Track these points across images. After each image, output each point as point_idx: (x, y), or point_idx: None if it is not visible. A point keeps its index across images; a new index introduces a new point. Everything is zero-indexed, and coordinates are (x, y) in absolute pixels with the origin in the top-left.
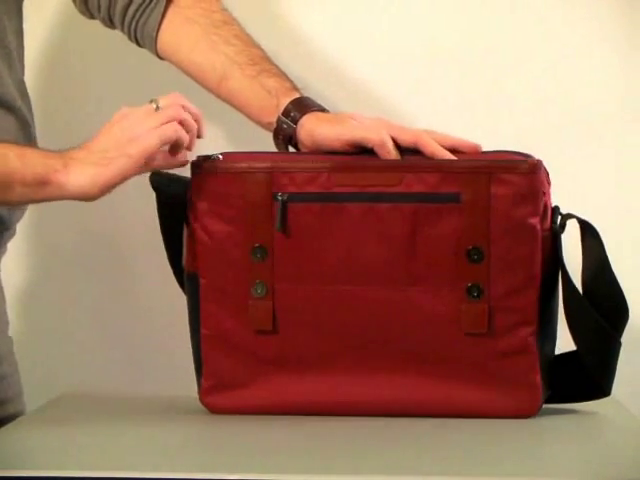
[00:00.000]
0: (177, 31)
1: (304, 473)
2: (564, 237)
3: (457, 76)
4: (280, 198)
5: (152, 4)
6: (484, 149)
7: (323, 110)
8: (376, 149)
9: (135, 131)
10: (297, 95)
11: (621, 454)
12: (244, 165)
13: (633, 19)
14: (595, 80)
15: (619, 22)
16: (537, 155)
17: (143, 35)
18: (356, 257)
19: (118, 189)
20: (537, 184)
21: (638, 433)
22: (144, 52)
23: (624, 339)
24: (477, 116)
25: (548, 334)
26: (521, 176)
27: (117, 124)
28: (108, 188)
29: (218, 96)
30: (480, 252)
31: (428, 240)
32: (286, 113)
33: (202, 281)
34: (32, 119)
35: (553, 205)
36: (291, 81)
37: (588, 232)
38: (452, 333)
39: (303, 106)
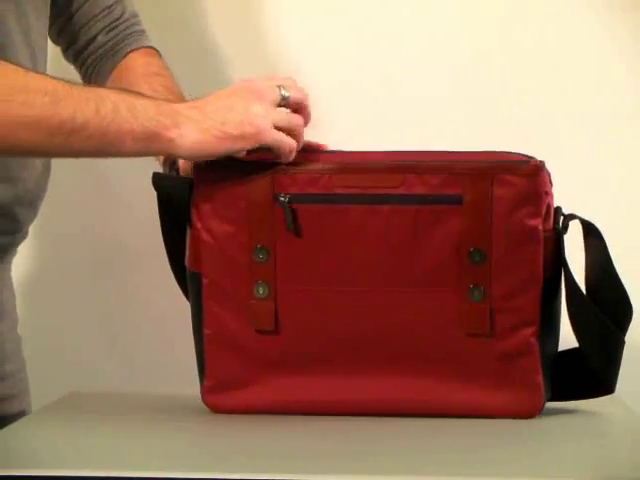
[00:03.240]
0: (120, 75)
1: (305, 473)
2: (566, 238)
3: (459, 77)
4: (282, 199)
5: (111, 56)
6: (487, 149)
7: None
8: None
9: (258, 118)
10: None
11: (622, 454)
12: (247, 166)
13: (636, 20)
14: (597, 80)
15: (621, 23)
16: (539, 156)
17: (97, 79)
18: (358, 258)
19: (119, 191)
20: (539, 185)
21: (639, 433)
22: None
23: (628, 338)
24: (480, 117)
25: (550, 335)
26: (523, 177)
27: (241, 97)
28: (212, 157)
29: None
30: (482, 253)
31: (430, 241)
32: None
33: (205, 281)
34: None
35: (555, 206)
36: None
37: (591, 232)
38: (454, 334)
39: None
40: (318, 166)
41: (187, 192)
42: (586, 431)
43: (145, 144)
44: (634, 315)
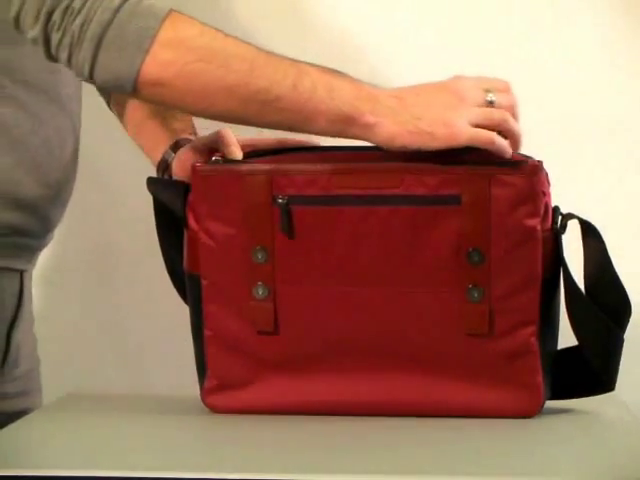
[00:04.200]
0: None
1: (305, 473)
2: (565, 237)
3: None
4: (280, 200)
5: None
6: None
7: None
8: None
9: (453, 119)
10: (191, 137)
11: (621, 454)
12: (245, 167)
13: (632, 23)
14: (597, 80)
15: (619, 25)
16: (537, 156)
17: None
18: (356, 259)
19: (120, 194)
20: (537, 185)
21: (639, 433)
22: None
23: (626, 338)
24: None
25: (549, 334)
26: (521, 177)
27: (442, 96)
28: (404, 150)
29: (138, 134)
30: (480, 254)
31: (428, 242)
32: (173, 145)
33: (204, 282)
34: (80, 121)
35: (553, 205)
36: (193, 127)
37: (589, 231)
38: (453, 334)
39: (186, 140)
40: (316, 167)
41: (182, 195)
42: (586, 431)
43: (339, 127)
44: (632, 315)
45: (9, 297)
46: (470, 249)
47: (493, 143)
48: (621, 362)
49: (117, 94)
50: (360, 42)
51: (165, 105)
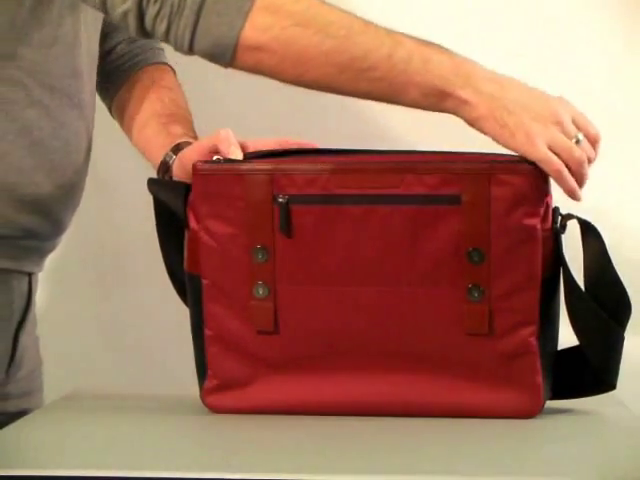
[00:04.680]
0: (131, 88)
1: (305, 473)
2: (565, 237)
3: None
4: (281, 200)
5: (127, 68)
6: (485, 151)
7: None
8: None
9: (540, 131)
10: (191, 141)
11: (621, 454)
12: (245, 167)
13: (630, 23)
14: (596, 80)
15: (617, 24)
16: None
17: (110, 89)
18: (357, 258)
19: (120, 195)
20: (537, 185)
21: (639, 433)
22: None
23: (626, 338)
24: None
25: (549, 334)
26: (521, 177)
27: (541, 107)
28: (481, 132)
29: (138, 138)
30: (481, 253)
31: (429, 241)
32: (174, 148)
33: (205, 282)
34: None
35: (554, 206)
36: (194, 131)
37: (589, 231)
38: (453, 334)
39: (187, 144)
40: (316, 167)
41: (183, 195)
42: (585, 431)
43: (432, 100)
44: (633, 315)
45: (18, 299)
46: (470, 249)
47: (561, 174)
48: (621, 362)
49: (118, 100)
50: None
51: (261, 72)
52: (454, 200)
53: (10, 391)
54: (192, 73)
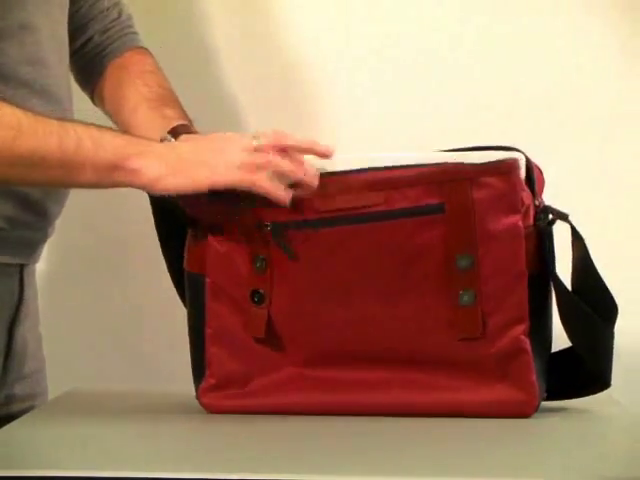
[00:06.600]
0: (114, 74)
1: (304, 473)
2: (564, 237)
3: (450, 77)
4: (268, 228)
5: (106, 55)
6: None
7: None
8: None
9: (219, 159)
10: (186, 123)
11: (616, 453)
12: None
13: (626, 22)
14: (594, 80)
15: (613, 23)
16: (534, 156)
17: (91, 77)
18: (348, 276)
19: (122, 191)
20: (514, 183)
21: (637, 433)
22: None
23: (620, 338)
24: (475, 116)
25: (542, 332)
26: (499, 177)
27: (215, 140)
28: (169, 192)
29: (129, 124)
30: (469, 258)
31: (417, 253)
32: (172, 131)
33: (208, 281)
34: (72, 111)
35: (544, 204)
36: (186, 113)
37: (574, 233)
38: (448, 339)
39: (185, 127)
40: (298, 191)
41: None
42: (581, 430)
43: (104, 174)
44: (628, 316)
45: (6, 292)
46: (458, 255)
47: (253, 185)
48: (621, 362)
49: (101, 87)
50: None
51: None
52: (438, 209)
53: (15, 392)
54: (192, 73)
